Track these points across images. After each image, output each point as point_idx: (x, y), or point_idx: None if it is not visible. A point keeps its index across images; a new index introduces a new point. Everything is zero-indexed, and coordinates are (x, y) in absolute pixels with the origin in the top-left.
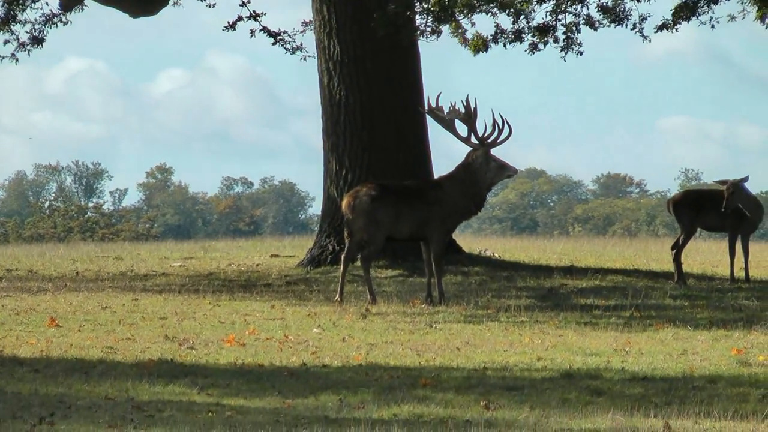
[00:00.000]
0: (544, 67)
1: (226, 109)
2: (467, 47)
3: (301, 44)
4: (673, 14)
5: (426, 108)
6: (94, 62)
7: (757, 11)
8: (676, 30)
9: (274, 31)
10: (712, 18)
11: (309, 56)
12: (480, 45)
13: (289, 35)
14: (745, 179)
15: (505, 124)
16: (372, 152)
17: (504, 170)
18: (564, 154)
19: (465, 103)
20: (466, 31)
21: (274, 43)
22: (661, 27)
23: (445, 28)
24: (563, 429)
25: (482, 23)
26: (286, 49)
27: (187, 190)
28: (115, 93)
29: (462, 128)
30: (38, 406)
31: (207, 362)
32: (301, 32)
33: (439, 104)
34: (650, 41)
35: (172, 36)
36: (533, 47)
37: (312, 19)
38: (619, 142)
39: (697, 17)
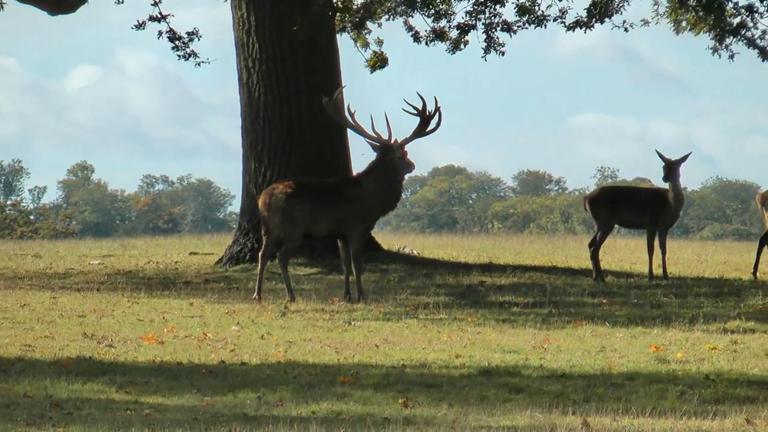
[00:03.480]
0: (460, 65)
1: (139, 106)
2: (366, 65)
3: (193, 50)
4: (588, 13)
5: (323, 101)
6: (4, 60)
7: (671, 14)
8: (591, 29)
9: (175, 35)
10: (625, 21)
11: (203, 62)
12: (379, 62)
13: (183, 42)
14: (686, 156)
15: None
16: (291, 150)
17: (410, 166)
18: (482, 152)
19: (422, 99)
20: (368, 44)
21: (173, 48)
22: (575, 25)
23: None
24: (482, 426)
25: (397, 25)
26: (179, 55)
27: (106, 187)
28: (28, 91)
29: (365, 123)
30: None
31: (125, 360)
32: (189, 40)
33: (328, 99)
34: (572, 31)
35: (82, 33)
36: (455, 46)
37: (231, 24)
38: (536, 140)
39: (610, 18)
